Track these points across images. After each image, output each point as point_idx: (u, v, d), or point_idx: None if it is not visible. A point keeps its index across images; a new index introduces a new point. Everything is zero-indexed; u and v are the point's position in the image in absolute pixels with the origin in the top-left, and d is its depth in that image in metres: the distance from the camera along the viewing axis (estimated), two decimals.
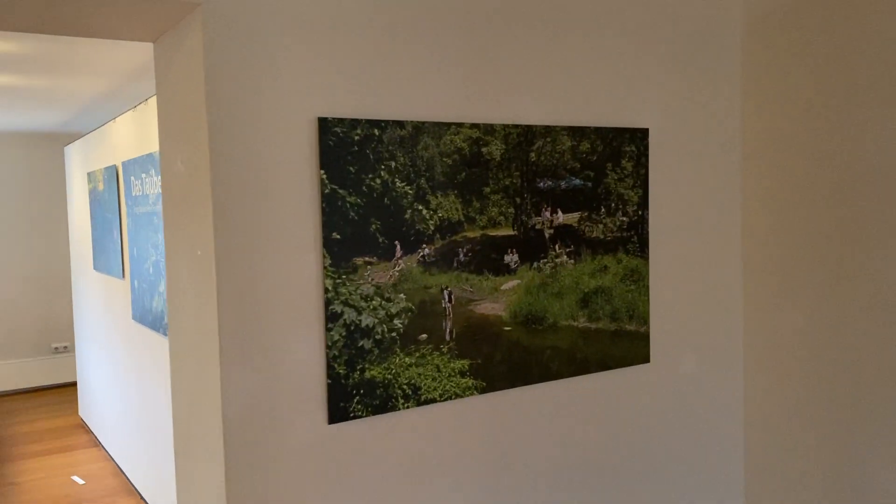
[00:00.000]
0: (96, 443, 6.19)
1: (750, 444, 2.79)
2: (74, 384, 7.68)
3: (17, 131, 7.25)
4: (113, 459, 5.75)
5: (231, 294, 1.83)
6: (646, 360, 2.55)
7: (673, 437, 2.65)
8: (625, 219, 2.48)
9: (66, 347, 7.85)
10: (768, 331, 2.69)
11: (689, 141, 2.62)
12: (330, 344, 1.96)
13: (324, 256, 1.94)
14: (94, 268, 5.85)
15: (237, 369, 1.85)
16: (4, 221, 7.53)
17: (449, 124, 2.11)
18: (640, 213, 2.51)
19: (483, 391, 2.21)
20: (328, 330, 1.95)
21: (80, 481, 5.40)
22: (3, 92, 4.62)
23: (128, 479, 5.36)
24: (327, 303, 1.95)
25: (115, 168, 5.06)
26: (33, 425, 6.70)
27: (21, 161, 7.55)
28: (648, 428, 2.58)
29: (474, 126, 2.16)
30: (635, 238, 2.51)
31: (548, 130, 2.29)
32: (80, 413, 6.80)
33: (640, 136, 2.49)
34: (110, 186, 5.19)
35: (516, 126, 2.23)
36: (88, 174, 5.86)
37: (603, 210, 2.43)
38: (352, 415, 2.00)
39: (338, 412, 1.98)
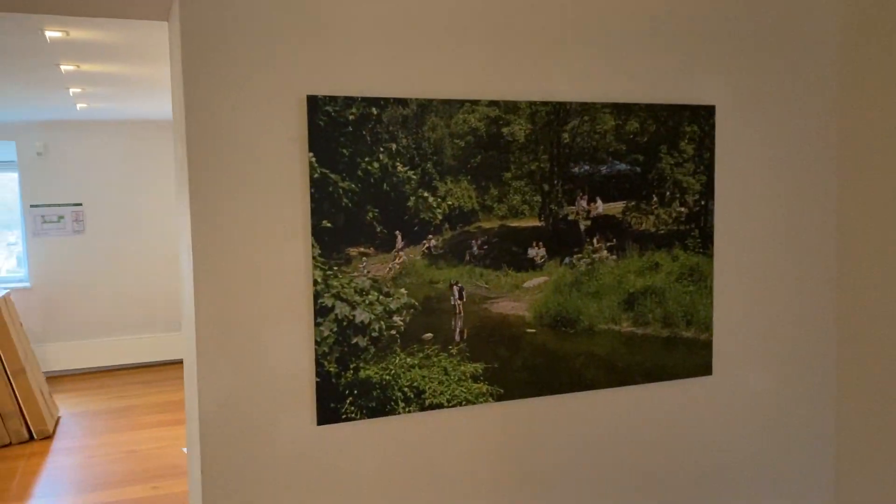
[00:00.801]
0: None
1: (842, 476, 2.38)
2: None
3: (145, 119, 7.67)
4: None
5: (208, 283, 1.73)
6: (707, 371, 2.22)
7: (741, 462, 2.30)
8: (683, 209, 2.16)
9: None
10: (869, 344, 2.27)
11: (767, 122, 2.24)
12: (319, 340, 1.81)
13: (312, 246, 1.80)
14: None
15: (215, 363, 1.74)
16: (136, 203, 8.00)
17: (462, 102, 1.90)
18: (702, 203, 2.18)
19: (500, 398, 1.99)
20: (317, 325, 1.81)
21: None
22: (112, 80, 4.84)
23: None
24: (316, 296, 1.81)
25: None
26: (160, 396, 7.11)
27: (155, 146, 8.00)
28: (708, 451, 2.25)
29: (493, 104, 1.93)
30: (696, 232, 2.18)
31: (585, 108, 2.02)
32: None
33: (704, 115, 2.15)
34: None
35: (545, 103, 1.98)
36: None
37: (655, 199, 2.13)
38: (344, 417, 1.85)
39: (328, 413, 1.84)
